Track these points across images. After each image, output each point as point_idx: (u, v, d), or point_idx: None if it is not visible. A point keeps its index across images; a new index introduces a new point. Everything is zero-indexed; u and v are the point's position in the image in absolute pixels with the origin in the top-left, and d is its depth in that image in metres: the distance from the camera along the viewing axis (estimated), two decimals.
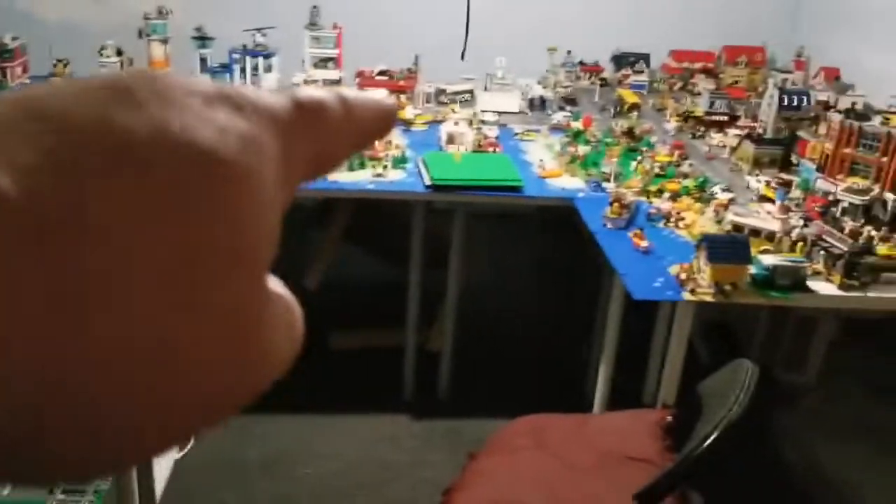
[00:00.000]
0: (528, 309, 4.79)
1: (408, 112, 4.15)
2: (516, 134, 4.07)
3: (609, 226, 3.03)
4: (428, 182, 3.32)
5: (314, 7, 4.44)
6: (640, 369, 3.61)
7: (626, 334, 3.26)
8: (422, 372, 3.89)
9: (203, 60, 4.63)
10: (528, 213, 5.24)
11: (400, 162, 3.54)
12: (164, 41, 4.62)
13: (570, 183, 3.45)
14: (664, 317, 3.55)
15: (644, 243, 2.88)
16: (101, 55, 4.47)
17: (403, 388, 3.89)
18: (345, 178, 3.39)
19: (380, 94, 0.46)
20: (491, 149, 3.75)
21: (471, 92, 4.52)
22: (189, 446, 3.41)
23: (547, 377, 4.09)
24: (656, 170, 3.55)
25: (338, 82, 4.37)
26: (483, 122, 3.96)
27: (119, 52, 4.54)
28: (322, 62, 4.49)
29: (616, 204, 3.07)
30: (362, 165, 3.49)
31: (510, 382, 4.03)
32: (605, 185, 3.39)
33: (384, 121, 0.43)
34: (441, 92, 4.53)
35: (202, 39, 4.61)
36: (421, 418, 3.77)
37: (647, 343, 3.72)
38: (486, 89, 4.52)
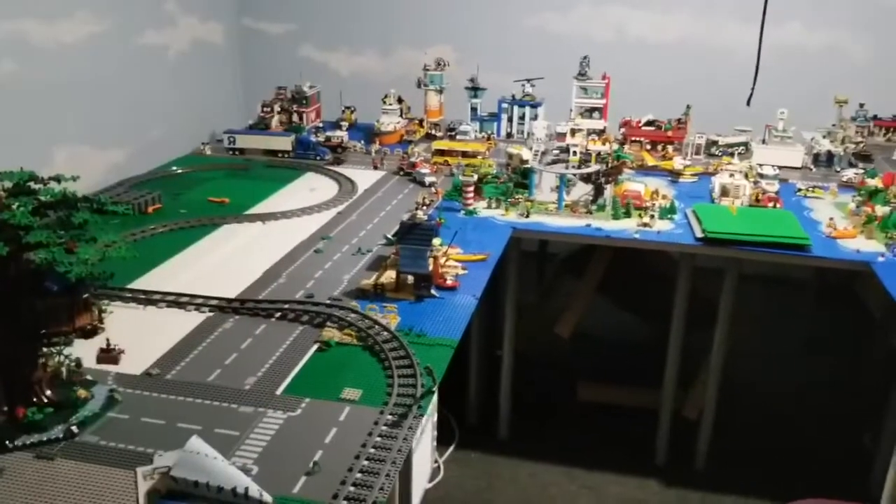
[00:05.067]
0: (798, 384, 4.33)
1: (676, 163, 3.99)
2: (799, 190, 3.75)
3: None
4: (700, 234, 3.13)
5: (584, 58, 4.44)
6: None
7: None
8: (676, 438, 3.63)
9: (473, 109, 4.82)
10: (801, 279, 4.78)
11: (668, 212, 3.38)
12: (440, 91, 4.87)
13: (865, 245, 3.08)
14: None
15: None
16: (385, 102, 4.81)
17: (656, 452, 3.66)
18: (609, 225, 3.30)
19: None
20: (770, 204, 3.48)
21: (746, 144, 4.26)
22: (438, 478, 3.46)
23: (817, 461, 3.64)
24: None
25: (602, 132, 4.32)
26: (761, 175, 3.69)
27: (400, 100, 4.86)
28: (588, 112, 4.46)
29: None
30: (627, 214, 3.39)
31: (774, 460, 3.64)
32: None
33: None
34: (712, 143, 4.32)
35: (475, 90, 4.79)
36: (673, 486, 3.51)
37: None
38: (763, 142, 4.23)
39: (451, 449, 3.78)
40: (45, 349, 1.87)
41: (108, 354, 1.93)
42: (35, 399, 1.89)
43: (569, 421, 3.97)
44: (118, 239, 1.89)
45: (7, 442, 1.80)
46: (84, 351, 1.99)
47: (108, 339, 1.93)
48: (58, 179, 1.92)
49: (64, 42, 3.87)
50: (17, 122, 3.56)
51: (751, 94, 4.49)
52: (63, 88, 3.82)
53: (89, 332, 1.82)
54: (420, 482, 2.53)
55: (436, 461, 3.59)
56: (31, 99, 3.64)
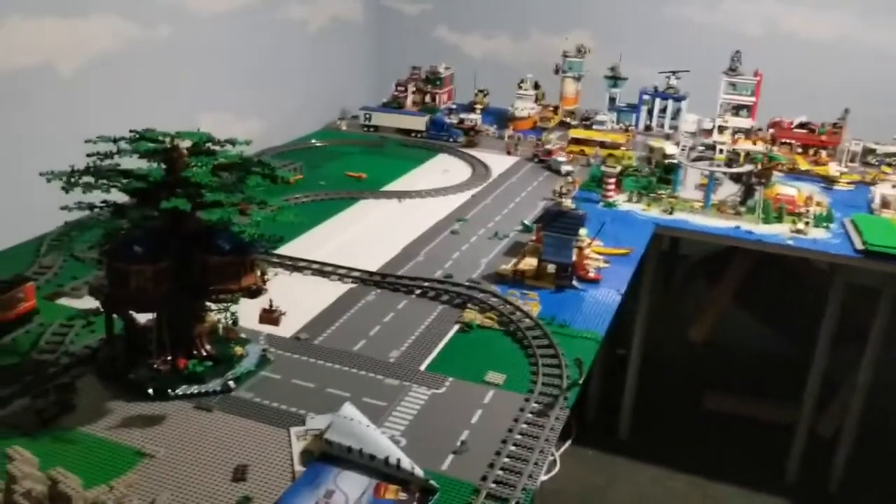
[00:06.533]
0: None
1: (831, 169, 3.77)
2: None
3: None
4: (860, 246, 2.94)
5: (736, 52, 4.24)
6: None
7: None
8: (809, 457, 3.45)
9: (612, 99, 4.68)
10: None
11: (824, 220, 3.19)
12: (578, 78, 4.77)
13: None
14: None
15: None
16: (520, 87, 4.75)
17: (786, 469, 3.48)
18: (760, 229, 3.14)
19: None
20: None
21: None
22: (554, 471, 3.40)
23: None
24: None
25: (749, 131, 4.13)
26: None
27: (536, 86, 4.79)
28: (735, 109, 4.27)
29: None
30: (779, 218, 3.22)
31: None
32: None
33: None
34: (869, 151, 4.06)
35: (615, 79, 4.66)
36: None
37: None
38: None
39: (567, 443, 3.71)
40: (211, 305, 1.93)
41: (270, 315, 1.97)
42: (195, 352, 1.95)
43: (693, 428, 3.84)
44: (283, 203, 1.92)
45: (170, 390, 1.87)
46: (240, 310, 2.05)
47: (270, 301, 1.97)
48: (232, 142, 1.97)
49: (217, 11, 3.99)
50: (171, 85, 3.69)
51: None
52: (211, 56, 3.94)
53: (254, 293, 1.86)
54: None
55: (552, 454, 3.54)
56: (184, 64, 3.77)
